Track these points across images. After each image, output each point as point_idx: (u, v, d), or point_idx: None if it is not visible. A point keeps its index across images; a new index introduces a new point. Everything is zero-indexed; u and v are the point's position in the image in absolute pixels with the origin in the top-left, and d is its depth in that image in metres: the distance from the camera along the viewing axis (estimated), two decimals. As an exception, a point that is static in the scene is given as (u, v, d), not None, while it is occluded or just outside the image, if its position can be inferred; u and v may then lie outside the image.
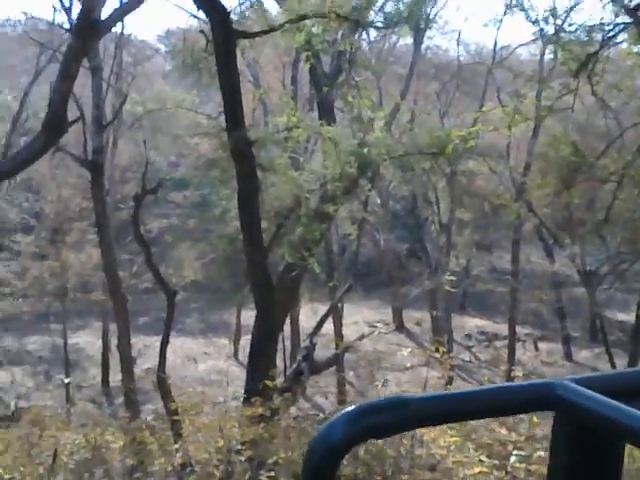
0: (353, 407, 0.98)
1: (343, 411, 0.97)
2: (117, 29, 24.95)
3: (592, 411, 0.95)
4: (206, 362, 27.72)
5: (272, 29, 11.39)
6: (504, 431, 7.67)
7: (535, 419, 8.79)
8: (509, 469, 7.25)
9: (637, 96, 19.16)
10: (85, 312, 29.71)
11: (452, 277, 23.86)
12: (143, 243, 14.04)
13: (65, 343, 25.92)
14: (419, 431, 7.69)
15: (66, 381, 22.89)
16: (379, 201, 28.95)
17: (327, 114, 14.15)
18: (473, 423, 8.28)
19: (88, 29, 7.04)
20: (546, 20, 15.29)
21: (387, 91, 27.22)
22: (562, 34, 14.48)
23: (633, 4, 11.98)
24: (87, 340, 29.77)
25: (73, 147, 19.03)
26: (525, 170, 25.91)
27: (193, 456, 7.74)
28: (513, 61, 29.10)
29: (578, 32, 13.43)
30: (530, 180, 24.71)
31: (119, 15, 7.74)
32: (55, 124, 7.38)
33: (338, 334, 24.54)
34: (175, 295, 13.68)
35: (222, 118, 13.33)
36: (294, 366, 13.42)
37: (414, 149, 13.19)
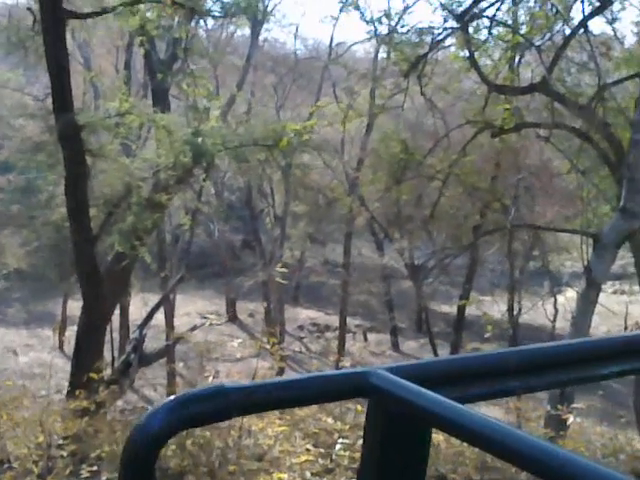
0: (174, 396, 0.98)
1: (165, 400, 0.97)
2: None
3: (401, 398, 0.98)
4: (28, 354, 26.44)
5: (104, 11, 11.04)
6: (330, 420, 7.85)
7: (359, 407, 9.06)
8: (334, 457, 7.43)
9: (463, 98, 20.05)
10: None
11: (285, 269, 24.04)
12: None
13: None
14: (247, 421, 7.73)
15: None
16: (214, 191, 28.75)
17: (161, 101, 13.91)
18: (301, 413, 8.42)
19: None
20: (380, 20, 15.74)
21: (224, 82, 26.98)
22: (395, 35, 14.94)
23: (460, 10, 12.53)
24: None
25: None
26: (358, 165, 26.34)
27: (11, 452, 7.38)
28: (349, 58, 29.64)
29: (410, 34, 13.92)
30: (362, 175, 25.29)
31: None
32: None
33: (169, 325, 24.11)
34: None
35: (50, 100, 12.74)
36: (122, 358, 13.13)
37: (250, 140, 13.20)
